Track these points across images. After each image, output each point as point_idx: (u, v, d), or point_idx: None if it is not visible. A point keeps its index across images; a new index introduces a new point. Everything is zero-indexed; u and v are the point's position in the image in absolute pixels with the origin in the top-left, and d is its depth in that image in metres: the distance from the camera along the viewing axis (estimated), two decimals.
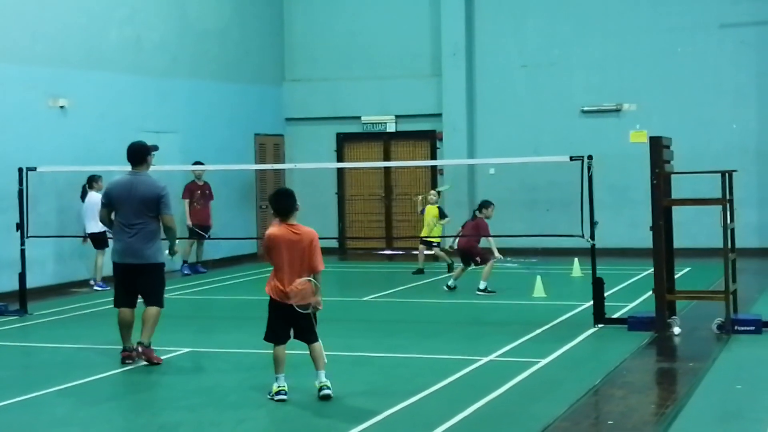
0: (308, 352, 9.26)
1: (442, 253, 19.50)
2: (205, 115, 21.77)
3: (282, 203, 9.26)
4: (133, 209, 10.98)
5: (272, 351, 9.25)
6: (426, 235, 19.18)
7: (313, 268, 9.13)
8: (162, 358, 11.11)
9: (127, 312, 11.10)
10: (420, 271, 19.14)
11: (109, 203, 11.20)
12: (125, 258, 11.06)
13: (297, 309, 9.01)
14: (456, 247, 17.39)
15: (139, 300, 11.29)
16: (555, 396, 9.22)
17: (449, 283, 16.58)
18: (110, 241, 17.41)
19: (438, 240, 19.30)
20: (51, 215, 17.63)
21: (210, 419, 8.68)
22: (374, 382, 10.01)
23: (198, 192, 20.26)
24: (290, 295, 9.00)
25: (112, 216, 11.19)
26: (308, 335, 9.22)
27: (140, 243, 10.96)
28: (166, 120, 20.44)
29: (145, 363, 10.96)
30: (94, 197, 17.76)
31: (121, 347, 11.11)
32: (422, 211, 19.31)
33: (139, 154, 11.19)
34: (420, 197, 19.69)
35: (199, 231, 20.02)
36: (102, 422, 8.82)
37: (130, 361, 10.99)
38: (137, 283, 11.11)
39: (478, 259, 16.33)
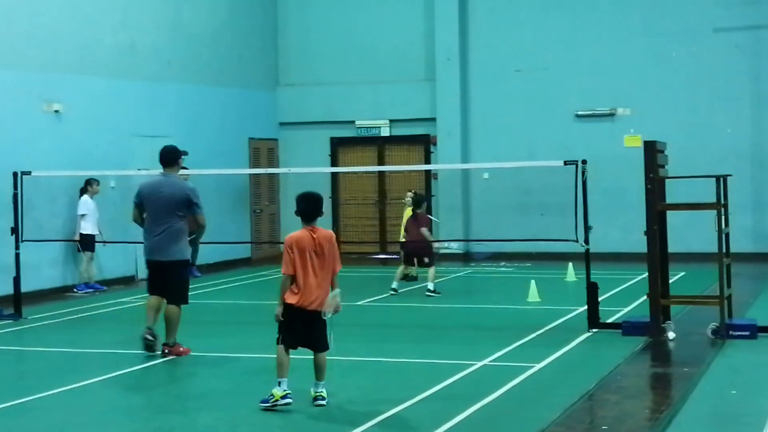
0: (312, 358, 9.19)
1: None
2: (199, 119, 21.76)
3: (311, 207, 9.32)
4: (161, 209, 11.52)
5: (276, 355, 9.14)
6: (403, 239, 19.03)
7: (333, 269, 9.18)
8: (189, 348, 11.70)
9: (156, 299, 11.69)
10: (412, 278, 18.81)
11: (140, 203, 11.73)
12: (153, 255, 11.66)
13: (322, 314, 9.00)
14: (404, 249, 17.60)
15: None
16: (549, 401, 9.21)
17: (393, 285, 16.92)
18: (97, 245, 17.83)
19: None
20: (46, 219, 17.59)
21: (204, 423, 8.69)
22: (368, 387, 10.00)
23: None
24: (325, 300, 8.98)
25: (144, 215, 11.73)
26: (319, 343, 9.14)
27: (166, 241, 11.51)
28: (159, 124, 20.42)
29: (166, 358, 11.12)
30: (85, 200, 17.87)
31: (145, 327, 11.57)
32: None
33: (170, 157, 11.84)
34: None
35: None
36: (97, 426, 8.81)
37: (151, 339, 11.45)
38: (162, 278, 11.65)
39: (426, 259, 16.88)
